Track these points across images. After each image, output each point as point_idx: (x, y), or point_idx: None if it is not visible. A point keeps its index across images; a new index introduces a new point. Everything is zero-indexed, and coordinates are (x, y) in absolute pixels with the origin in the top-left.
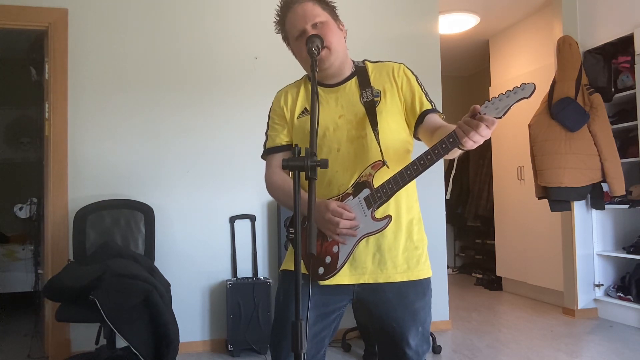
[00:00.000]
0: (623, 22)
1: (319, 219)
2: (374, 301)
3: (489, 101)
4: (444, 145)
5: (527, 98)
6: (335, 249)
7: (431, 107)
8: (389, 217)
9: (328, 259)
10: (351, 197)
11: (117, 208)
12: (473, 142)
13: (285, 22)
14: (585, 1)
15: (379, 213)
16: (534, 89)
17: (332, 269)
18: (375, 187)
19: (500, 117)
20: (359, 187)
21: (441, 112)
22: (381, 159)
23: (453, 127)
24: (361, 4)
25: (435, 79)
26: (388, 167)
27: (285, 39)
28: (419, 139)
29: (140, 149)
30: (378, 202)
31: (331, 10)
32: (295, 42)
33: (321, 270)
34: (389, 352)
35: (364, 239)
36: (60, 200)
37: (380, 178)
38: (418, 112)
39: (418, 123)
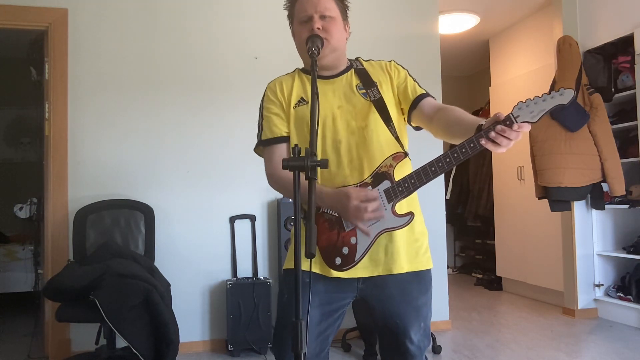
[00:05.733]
0: (623, 22)
1: (342, 209)
2: (378, 297)
3: (523, 103)
4: (472, 145)
5: (564, 105)
6: (353, 240)
7: (425, 92)
8: (411, 214)
9: (345, 250)
10: (370, 187)
11: (117, 208)
12: (505, 148)
13: (296, 2)
14: (585, 1)
15: (399, 208)
16: (574, 96)
17: (350, 261)
18: (396, 180)
19: (535, 122)
20: (378, 177)
21: (435, 97)
22: (402, 150)
23: (456, 109)
24: (361, 4)
25: (435, 79)
26: (410, 159)
27: (290, 17)
28: (415, 128)
29: (140, 149)
30: (400, 196)
31: (343, 9)
32: (298, 26)
33: (338, 260)
34: (391, 347)
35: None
36: (60, 200)
37: (401, 170)
38: (411, 97)
39: (412, 108)
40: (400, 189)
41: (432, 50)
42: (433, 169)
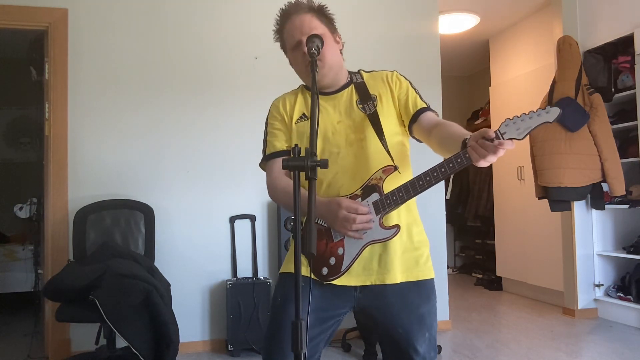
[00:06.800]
0: (623, 22)
1: (331, 218)
2: (377, 306)
3: (510, 119)
4: (459, 160)
5: (550, 123)
6: (340, 251)
7: (426, 106)
8: (397, 226)
9: (332, 260)
10: (359, 199)
11: (117, 208)
12: (487, 162)
13: (283, 32)
14: (585, 1)
15: (386, 220)
16: (560, 114)
17: (336, 271)
18: (385, 192)
19: (521, 139)
20: (368, 190)
21: (436, 111)
22: (392, 164)
23: (453, 124)
24: (361, 4)
25: (435, 79)
26: (400, 173)
27: (283, 47)
28: (417, 140)
29: (140, 149)
30: (387, 209)
31: (329, 22)
32: (291, 53)
33: (325, 270)
34: (395, 358)
35: (370, 245)
36: (60, 200)
37: (391, 183)
38: (412, 111)
39: (412, 122)
40: (388, 201)
41: (432, 50)
42: (421, 182)
